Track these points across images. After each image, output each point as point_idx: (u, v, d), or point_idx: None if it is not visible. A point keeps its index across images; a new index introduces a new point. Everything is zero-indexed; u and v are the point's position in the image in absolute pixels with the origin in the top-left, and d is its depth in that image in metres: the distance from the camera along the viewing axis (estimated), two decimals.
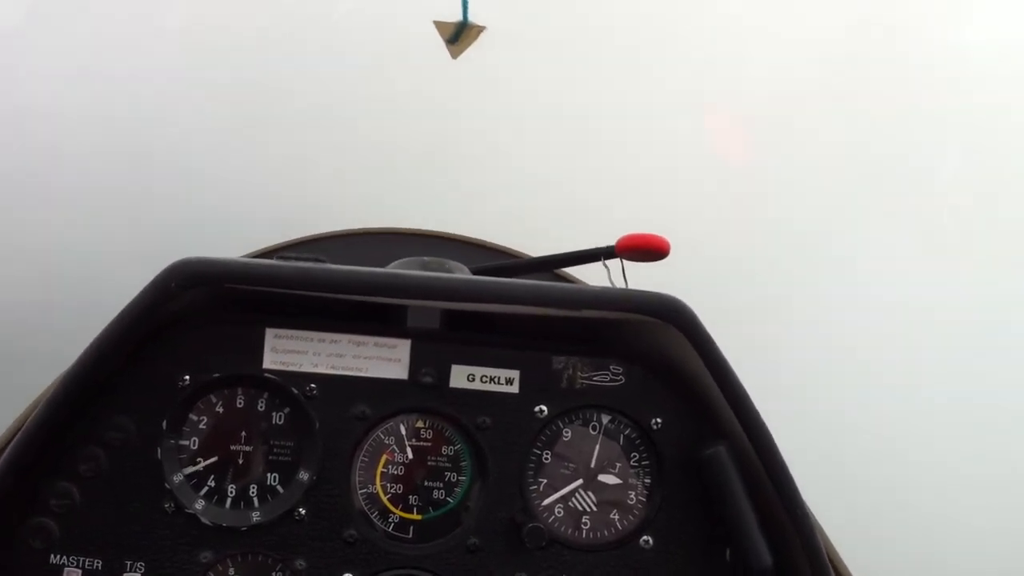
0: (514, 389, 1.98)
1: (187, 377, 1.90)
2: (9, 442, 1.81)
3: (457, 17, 2.33)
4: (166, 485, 1.87)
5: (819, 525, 2.11)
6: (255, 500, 1.91)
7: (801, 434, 2.28)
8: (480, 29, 2.34)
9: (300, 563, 1.90)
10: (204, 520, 1.88)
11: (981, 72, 3.85)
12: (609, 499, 1.99)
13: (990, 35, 3.91)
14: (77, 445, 1.86)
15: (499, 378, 1.98)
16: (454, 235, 2.99)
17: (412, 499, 1.96)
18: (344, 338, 1.95)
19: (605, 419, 2.00)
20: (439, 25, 2.36)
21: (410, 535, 1.96)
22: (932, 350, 3.82)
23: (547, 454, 1.99)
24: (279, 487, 1.92)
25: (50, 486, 1.86)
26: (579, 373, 1.99)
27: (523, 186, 3.71)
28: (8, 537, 1.84)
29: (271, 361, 1.93)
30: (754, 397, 1.90)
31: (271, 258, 2.00)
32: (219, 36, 3.60)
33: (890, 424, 3.74)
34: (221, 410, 1.93)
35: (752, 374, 1.91)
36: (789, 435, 1.94)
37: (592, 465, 1.99)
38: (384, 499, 1.96)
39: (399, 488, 1.96)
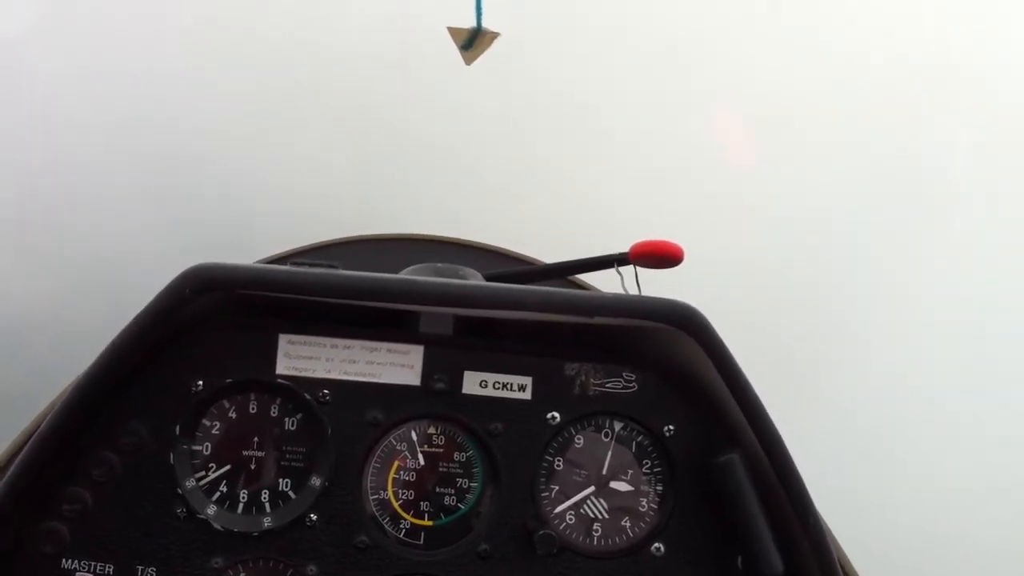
0: (526, 395, 1.98)
1: (200, 382, 1.90)
2: (23, 446, 1.82)
3: (471, 23, 2.32)
4: (178, 490, 1.88)
5: (831, 533, 2.11)
6: (267, 506, 1.91)
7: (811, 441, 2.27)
8: (494, 35, 2.33)
9: (311, 569, 1.91)
10: (216, 525, 1.89)
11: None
12: (620, 506, 1.99)
13: None
14: (90, 450, 1.87)
15: (512, 384, 1.98)
16: (468, 241, 3.00)
17: (423, 505, 1.96)
18: (357, 344, 1.96)
19: (617, 426, 2.00)
20: (453, 32, 2.35)
21: (421, 541, 1.96)
22: (935, 349, 3.80)
23: (559, 461, 1.99)
24: (291, 493, 1.92)
25: (62, 490, 1.86)
26: (592, 380, 1.99)
27: (537, 192, 3.71)
28: (20, 542, 1.85)
29: (284, 367, 1.93)
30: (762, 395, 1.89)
31: (285, 264, 2.00)
32: (237, 38, 3.61)
33: (903, 427, 3.72)
34: (234, 415, 1.93)
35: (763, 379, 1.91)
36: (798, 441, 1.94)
37: (604, 472, 1.99)
38: (395, 505, 1.96)
39: (410, 494, 1.96)
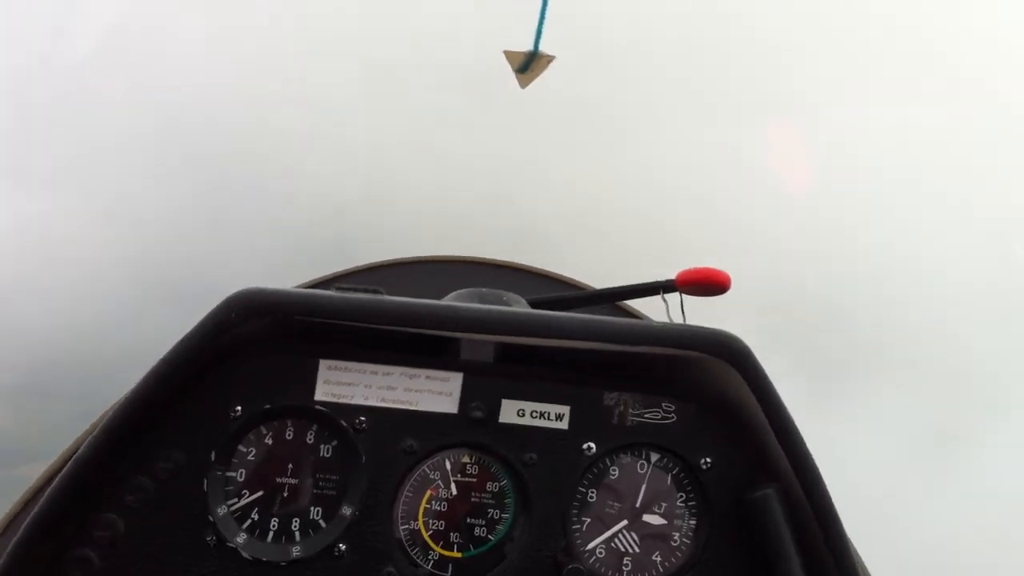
0: (563, 425, 1.96)
1: (239, 408, 1.91)
2: (60, 469, 1.84)
3: (528, 47, 2.32)
4: (209, 517, 1.89)
5: (866, 570, 2.06)
6: (296, 534, 1.91)
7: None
8: (550, 59, 2.33)
9: None
10: (244, 554, 1.89)
11: None
12: (653, 539, 1.96)
13: None
14: (127, 475, 1.89)
15: (549, 413, 1.96)
16: (515, 264, 2.99)
17: (453, 536, 1.95)
18: (397, 370, 1.96)
19: (654, 457, 1.97)
20: (509, 55, 2.36)
21: (449, 573, 1.94)
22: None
23: (592, 492, 1.96)
24: (321, 521, 1.92)
25: (96, 516, 1.88)
26: (630, 409, 1.97)
27: (588, 216, 3.69)
28: (52, 567, 1.86)
29: (323, 393, 1.94)
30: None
31: (328, 288, 2.01)
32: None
33: None
34: (270, 442, 1.94)
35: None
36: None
37: (638, 504, 1.96)
38: (425, 535, 1.95)
39: (441, 524, 1.95)
